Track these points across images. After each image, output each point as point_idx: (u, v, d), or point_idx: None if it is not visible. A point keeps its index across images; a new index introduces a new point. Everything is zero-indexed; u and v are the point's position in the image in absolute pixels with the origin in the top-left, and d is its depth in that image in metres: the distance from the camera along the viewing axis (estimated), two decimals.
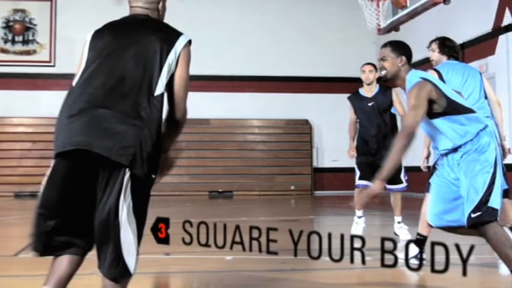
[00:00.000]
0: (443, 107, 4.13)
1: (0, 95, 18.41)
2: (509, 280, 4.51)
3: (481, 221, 3.97)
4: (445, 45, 5.86)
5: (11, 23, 19.07)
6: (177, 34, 3.18)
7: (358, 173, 7.30)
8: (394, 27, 11.91)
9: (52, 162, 2.99)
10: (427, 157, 6.10)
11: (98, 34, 3.21)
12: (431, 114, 4.16)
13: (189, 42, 3.18)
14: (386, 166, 4.08)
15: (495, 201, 4.01)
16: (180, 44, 3.12)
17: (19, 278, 4.71)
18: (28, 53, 19.15)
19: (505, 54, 13.64)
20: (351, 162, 21.63)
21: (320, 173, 19.53)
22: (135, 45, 3.10)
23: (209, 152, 18.74)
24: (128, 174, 2.85)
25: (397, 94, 7.15)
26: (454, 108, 4.15)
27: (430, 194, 4.55)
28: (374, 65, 7.23)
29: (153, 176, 3.03)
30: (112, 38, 3.16)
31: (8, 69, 18.74)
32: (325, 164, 19.71)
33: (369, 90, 7.20)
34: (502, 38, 13.79)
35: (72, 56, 17.70)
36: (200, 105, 17.18)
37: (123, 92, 2.98)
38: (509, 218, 5.37)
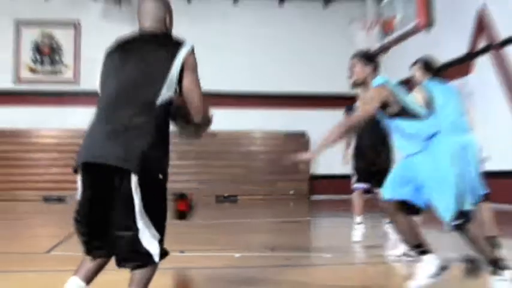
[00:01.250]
0: (397, 112, 4.11)
1: (30, 110, 18.45)
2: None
3: (462, 226, 3.98)
4: (428, 66, 5.81)
5: (39, 46, 19.10)
6: (180, 44, 3.09)
7: (356, 177, 7.12)
8: (383, 50, 11.98)
9: (79, 174, 3.02)
10: None
11: (109, 52, 3.23)
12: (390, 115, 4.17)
13: (192, 49, 3.09)
14: (319, 144, 4.14)
15: (467, 203, 4.03)
16: (182, 52, 3.03)
17: (52, 272, 4.72)
18: (55, 72, 19.17)
19: (480, 74, 13.72)
20: (344, 170, 21.66)
21: (316, 179, 19.55)
22: (140, 59, 3.07)
23: (216, 160, 18.76)
24: (135, 178, 2.81)
25: None
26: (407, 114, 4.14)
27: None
28: None
29: (161, 176, 2.96)
30: (120, 55, 3.15)
31: (37, 87, 18.79)
32: (321, 172, 19.71)
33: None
34: (478, 60, 13.85)
35: (95, 75, 17.66)
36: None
37: (129, 103, 2.96)
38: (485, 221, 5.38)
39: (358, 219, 6.79)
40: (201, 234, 8.29)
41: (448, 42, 14.19)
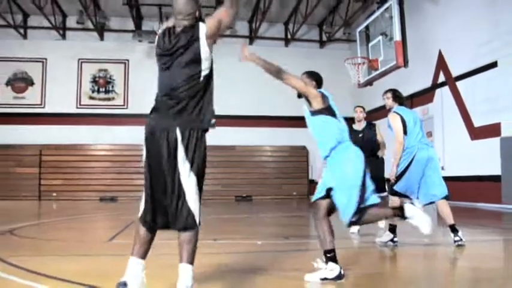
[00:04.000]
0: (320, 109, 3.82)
1: (89, 129, 18.64)
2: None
3: (359, 222, 3.77)
4: (396, 95, 5.81)
5: (96, 79, 19.30)
6: (198, 25, 2.98)
7: None
8: (369, 83, 12.11)
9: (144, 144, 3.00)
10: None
11: (157, 39, 3.10)
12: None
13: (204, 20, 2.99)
14: (263, 60, 3.78)
15: (369, 199, 3.72)
16: (201, 28, 2.96)
17: (116, 256, 4.73)
18: (108, 99, 19.34)
19: (440, 102, 13.79)
20: None
21: (314, 183, 19.53)
22: (177, 49, 2.95)
23: (235, 168, 18.83)
24: (185, 132, 2.83)
25: (378, 128, 7.05)
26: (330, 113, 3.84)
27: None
28: (363, 107, 7.25)
29: (207, 128, 2.93)
30: (163, 43, 3.02)
31: (94, 111, 19.02)
32: (317, 177, 19.75)
33: (359, 125, 7.05)
34: (438, 91, 13.94)
35: (140, 101, 18.06)
36: (228, 137, 17.43)
37: (177, 83, 2.91)
38: (446, 219, 5.38)
39: None
40: (228, 226, 8.33)
41: (416, 77, 14.29)
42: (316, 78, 4.00)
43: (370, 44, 13.24)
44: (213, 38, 3.00)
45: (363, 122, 7.09)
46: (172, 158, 2.87)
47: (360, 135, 6.89)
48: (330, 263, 3.52)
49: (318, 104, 3.83)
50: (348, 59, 13.92)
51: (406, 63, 11.53)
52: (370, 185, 3.75)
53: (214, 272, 3.81)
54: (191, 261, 2.86)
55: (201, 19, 3.04)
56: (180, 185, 2.86)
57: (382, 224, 6.42)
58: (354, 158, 3.74)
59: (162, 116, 2.95)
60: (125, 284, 2.92)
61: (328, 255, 3.54)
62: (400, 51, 11.45)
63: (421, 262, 4.80)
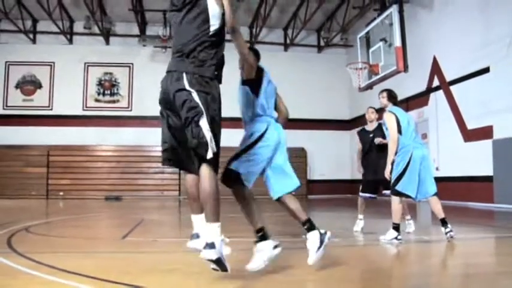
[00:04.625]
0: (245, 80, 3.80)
1: (95, 130, 18.71)
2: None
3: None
4: (391, 95, 5.92)
5: (102, 82, 19.38)
6: None
7: (361, 187, 6.80)
8: (370, 86, 12.23)
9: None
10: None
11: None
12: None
13: None
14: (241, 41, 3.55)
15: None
16: None
17: (133, 254, 4.78)
18: (113, 101, 19.40)
19: (434, 105, 13.93)
20: (334, 176, 21.43)
21: (312, 183, 19.66)
22: (185, 5, 3.13)
23: None
24: (192, 78, 3.01)
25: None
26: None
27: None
28: (374, 108, 7.08)
29: (214, 77, 3.09)
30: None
31: (100, 113, 19.10)
32: (315, 177, 19.87)
33: (370, 126, 6.96)
34: (432, 95, 14.07)
35: (144, 103, 18.18)
36: (230, 138, 17.41)
37: (187, 44, 3.08)
38: (438, 214, 5.52)
39: (360, 216, 6.67)
40: (238, 225, 8.31)
41: (411, 82, 14.42)
42: (255, 53, 3.92)
43: (370, 50, 13.35)
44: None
45: (374, 122, 6.98)
46: (183, 97, 3.02)
47: (371, 135, 6.86)
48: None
49: (249, 75, 3.81)
50: (350, 64, 14.02)
51: (406, 68, 11.64)
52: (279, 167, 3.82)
53: (232, 269, 3.81)
54: (211, 219, 2.98)
55: None
56: (191, 116, 3.00)
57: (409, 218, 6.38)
58: (262, 135, 3.74)
59: (172, 66, 3.14)
60: (197, 235, 3.36)
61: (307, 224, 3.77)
62: (401, 56, 11.57)
63: (417, 259, 4.89)
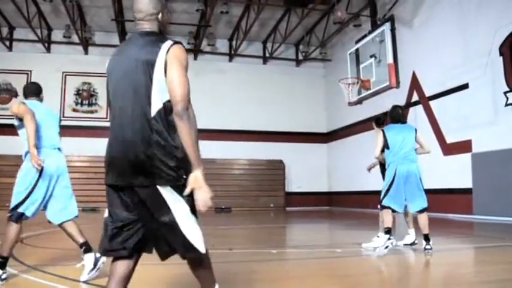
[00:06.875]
0: None
1: (72, 140, 18.11)
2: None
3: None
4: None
5: (80, 92, 18.99)
6: (161, 42, 2.29)
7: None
8: (360, 101, 12.37)
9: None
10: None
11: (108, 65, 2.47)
12: None
13: (175, 43, 2.30)
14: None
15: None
16: (163, 50, 2.25)
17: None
18: (91, 112, 19.05)
19: (414, 119, 14.07)
20: (311, 188, 21.33)
21: (290, 195, 19.67)
22: (126, 71, 2.30)
23: (215, 181, 18.58)
24: (164, 187, 2.23)
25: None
26: None
27: None
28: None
29: (184, 177, 2.26)
30: (113, 69, 2.40)
31: (78, 123, 18.64)
32: (293, 190, 19.89)
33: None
34: (412, 109, 14.25)
35: None
36: (209, 150, 17.29)
37: (131, 119, 2.25)
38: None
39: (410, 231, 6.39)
40: (233, 238, 8.19)
41: (391, 96, 14.58)
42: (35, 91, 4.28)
43: (361, 65, 13.53)
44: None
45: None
46: None
47: None
48: None
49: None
50: (342, 80, 14.16)
51: (398, 83, 11.86)
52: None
53: (234, 280, 3.75)
54: None
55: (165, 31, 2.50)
56: None
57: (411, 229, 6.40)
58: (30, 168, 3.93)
59: None
60: None
61: None
62: (393, 73, 11.79)
63: (398, 268, 4.93)
